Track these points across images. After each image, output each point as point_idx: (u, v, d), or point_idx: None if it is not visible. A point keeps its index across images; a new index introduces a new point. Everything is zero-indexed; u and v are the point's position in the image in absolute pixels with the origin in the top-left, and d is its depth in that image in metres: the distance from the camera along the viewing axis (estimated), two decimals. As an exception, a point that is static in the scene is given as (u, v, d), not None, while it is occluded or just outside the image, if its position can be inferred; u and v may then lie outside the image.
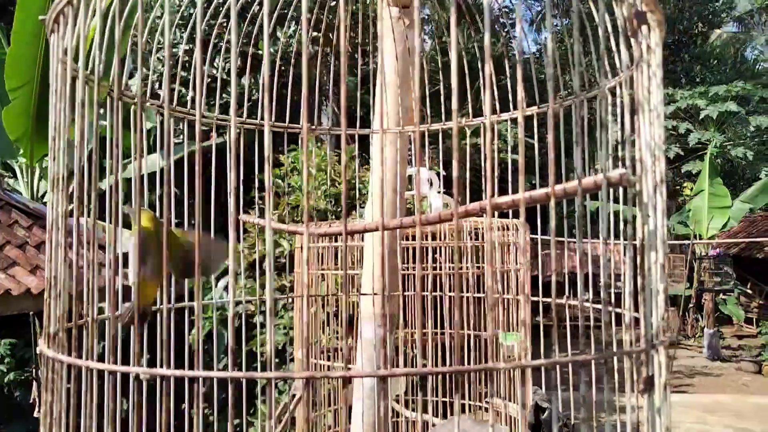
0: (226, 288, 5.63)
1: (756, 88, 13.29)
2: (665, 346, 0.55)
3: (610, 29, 0.76)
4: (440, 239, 3.41)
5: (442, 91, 1.87)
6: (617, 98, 0.82)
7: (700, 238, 11.27)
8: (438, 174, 4.76)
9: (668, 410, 0.54)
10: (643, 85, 0.54)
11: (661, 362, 0.54)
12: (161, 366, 0.51)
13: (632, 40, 0.60)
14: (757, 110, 13.81)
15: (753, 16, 17.64)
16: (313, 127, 1.68)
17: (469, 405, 3.33)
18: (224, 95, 7.99)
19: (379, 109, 1.84)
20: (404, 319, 3.45)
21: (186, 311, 1.55)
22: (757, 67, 18.00)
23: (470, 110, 1.85)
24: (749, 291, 11.88)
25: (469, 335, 3.30)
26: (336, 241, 3.34)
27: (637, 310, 0.70)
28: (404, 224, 0.76)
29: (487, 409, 3.37)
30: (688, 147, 13.61)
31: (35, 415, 4.50)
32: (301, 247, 3.30)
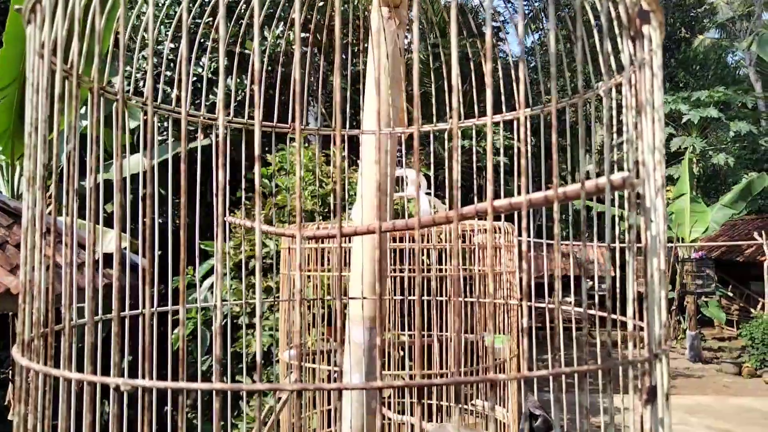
0: (210, 288, 5.58)
1: (737, 94, 13.53)
2: (667, 354, 0.53)
3: (605, 31, 0.74)
4: (428, 241, 3.40)
5: (432, 94, 1.86)
6: (612, 101, 0.81)
7: (682, 241, 11.42)
8: (426, 176, 4.75)
9: (670, 421, 0.52)
10: (645, 86, 0.52)
11: (663, 372, 0.52)
12: (143, 376, 0.48)
13: (632, 42, 0.59)
14: (737, 116, 14.05)
15: (734, 23, 17.96)
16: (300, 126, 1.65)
17: (454, 408, 3.31)
18: (211, 96, 7.92)
19: (368, 108, 1.81)
20: (391, 321, 3.43)
21: (168, 313, 1.52)
22: (737, 72, 18.32)
23: (462, 113, 1.84)
24: (730, 294, 12.06)
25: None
26: (322, 242, 3.31)
27: (634, 317, 0.68)
28: (397, 227, 0.73)
29: (473, 412, 3.36)
30: (670, 152, 13.80)
31: (9, 417, 4.42)
32: (288, 249, 3.27)
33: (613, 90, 0.77)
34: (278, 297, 3.41)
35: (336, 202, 0.52)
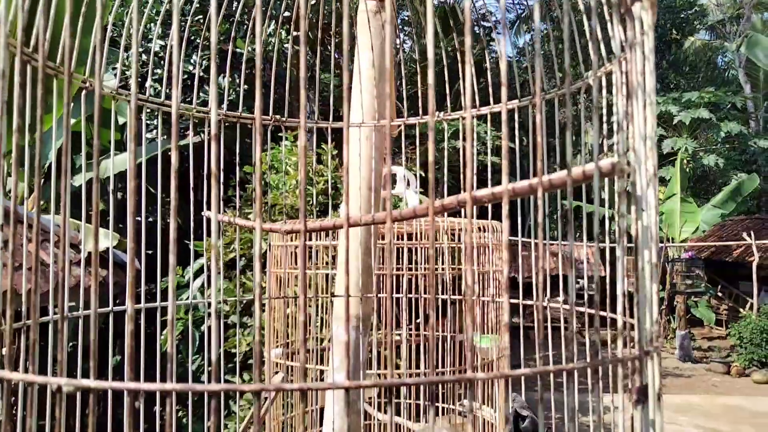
0: (200, 288, 5.52)
1: (727, 95, 13.62)
2: (659, 352, 0.50)
3: (595, 18, 0.71)
4: (417, 239, 3.37)
5: (420, 92, 1.83)
6: (603, 89, 0.78)
7: (673, 242, 11.48)
8: (415, 175, 4.72)
9: (661, 422, 0.49)
10: (636, 69, 0.49)
11: (655, 370, 0.49)
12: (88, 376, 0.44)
13: (622, 22, 0.56)
14: (727, 117, 14.15)
15: (724, 24, 18.08)
16: (284, 119, 1.62)
17: (444, 408, 3.29)
18: (201, 93, 7.85)
19: (354, 102, 1.78)
20: (379, 320, 3.40)
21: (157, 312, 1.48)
22: (727, 74, 18.45)
23: (449, 109, 1.81)
24: (719, 294, 12.14)
25: (445, 337, 3.26)
26: (311, 239, 3.27)
27: (623, 313, 0.65)
28: (376, 220, 0.70)
29: (460, 413, 3.34)
30: (662, 153, 13.88)
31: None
32: (274, 246, 3.22)
33: (603, 78, 0.74)
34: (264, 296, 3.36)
35: (301, 188, 0.49)
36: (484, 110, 1.43)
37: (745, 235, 10.87)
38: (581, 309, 0.99)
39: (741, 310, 11.22)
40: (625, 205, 0.49)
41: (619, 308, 0.52)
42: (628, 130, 0.50)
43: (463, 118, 1.65)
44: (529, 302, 1.41)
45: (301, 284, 0.46)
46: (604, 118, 0.73)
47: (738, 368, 9.24)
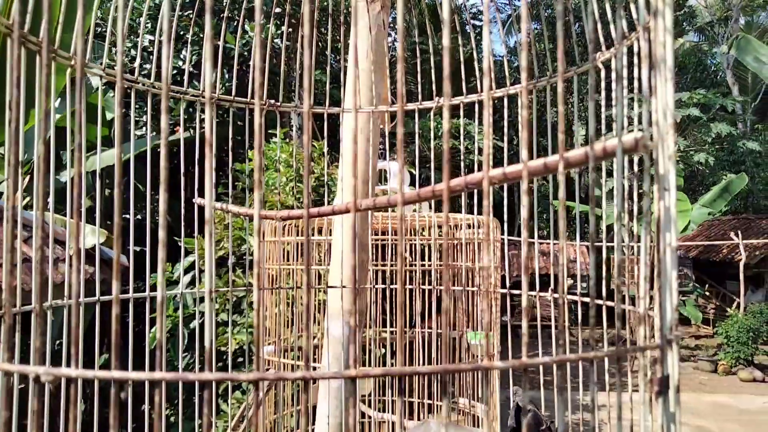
0: (190, 284, 5.46)
1: (716, 96, 13.74)
2: (678, 342, 0.48)
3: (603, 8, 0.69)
4: (411, 235, 3.34)
5: (415, 90, 1.80)
6: (613, 70, 0.75)
7: (662, 241, 11.53)
8: (409, 172, 4.69)
9: (679, 416, 0.47)
10: (659, 39, 0.46)
11: (675, 360, 0.47)
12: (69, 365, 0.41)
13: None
14: (716, 118, 14.27)
15: (713, 26, 18.24)
16: (279, 104, 1.58)
17: (438, 405, 3.27)
18: (190, 89, 7.78)
19: (349, 90, 1.74)
20: (371, 317, 3.36)
21: (145, 306, 1.44)
22: (716, 76, 18.62)
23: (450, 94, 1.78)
24: (707, 293, 12.24)
25: (439, 334, 3.24)
26: (302, 235, 3.23)
27: (621, 302, 0.63)
28: (378, 203, 0.67)
29: (453, 409, 3.32)
30: (651, 152, 13.95)
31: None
32: (261, 235, 3.18)
33: (613, 60, 0.71)
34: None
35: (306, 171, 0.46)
36: (499, 93, 1.40)
37: (732, 234, 10.97)
38: (605, 302, 0.96)
39: (728, 309, 11.33)
40: (648, 184, 0.46)
41: (642, 290, 0.50)
42: (650, 103, 0.47)
43: (465, 106, 1.62)
44: (533, 293, 1.38)
45: (306, 259, 0.43)
46: (613, 94, 0.71)
47: (725, 366, 9.33)
